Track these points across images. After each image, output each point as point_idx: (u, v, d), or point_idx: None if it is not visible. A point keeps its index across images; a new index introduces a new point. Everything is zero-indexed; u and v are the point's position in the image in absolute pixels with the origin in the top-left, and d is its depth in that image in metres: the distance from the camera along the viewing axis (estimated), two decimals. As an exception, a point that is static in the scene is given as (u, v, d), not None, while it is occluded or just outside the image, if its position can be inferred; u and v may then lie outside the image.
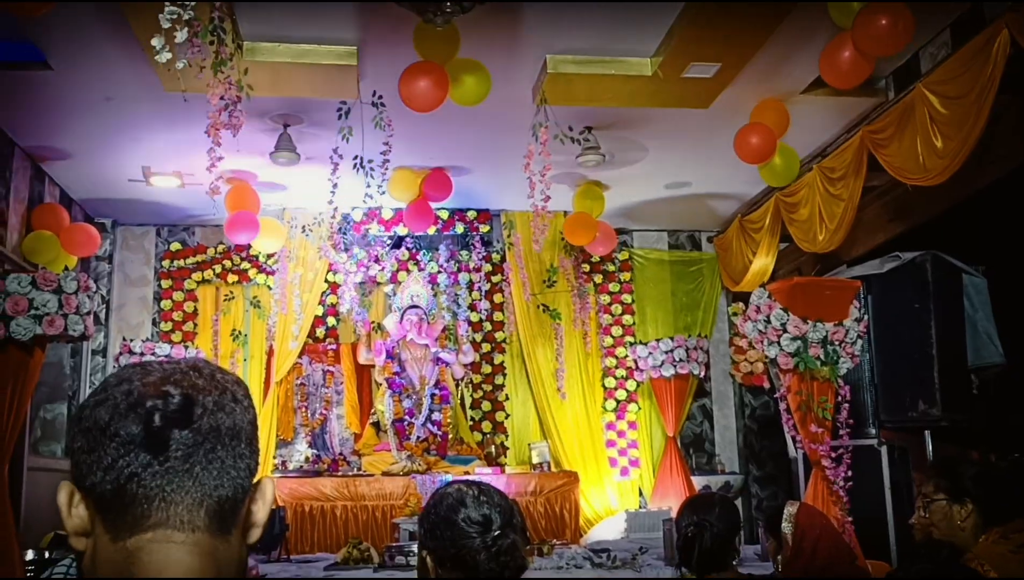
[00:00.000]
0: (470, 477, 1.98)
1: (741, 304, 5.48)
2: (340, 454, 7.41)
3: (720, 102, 5.53)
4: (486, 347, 7.96)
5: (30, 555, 4.83)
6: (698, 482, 7.25)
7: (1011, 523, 2.76)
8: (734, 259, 7.57)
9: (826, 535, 3.36)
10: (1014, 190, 4.90)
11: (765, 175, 5.86)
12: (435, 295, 7.83)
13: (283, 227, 7.29)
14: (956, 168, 4.50)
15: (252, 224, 6.62)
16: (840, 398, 4.82)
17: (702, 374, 7.54)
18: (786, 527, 3.31)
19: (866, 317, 5.12)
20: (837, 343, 4.74)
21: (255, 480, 1.02)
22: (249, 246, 7.37)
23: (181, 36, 3.67)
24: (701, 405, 8.19)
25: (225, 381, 1.01)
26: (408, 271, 7.87)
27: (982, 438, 5.96)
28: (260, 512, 1.02)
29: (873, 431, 5.61)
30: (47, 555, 4.99)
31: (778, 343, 4.75)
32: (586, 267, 8.01)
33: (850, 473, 4.79)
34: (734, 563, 2.96)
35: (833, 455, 4.75)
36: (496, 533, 1.95)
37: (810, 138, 6.09)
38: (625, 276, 8.19)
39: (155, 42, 3.82)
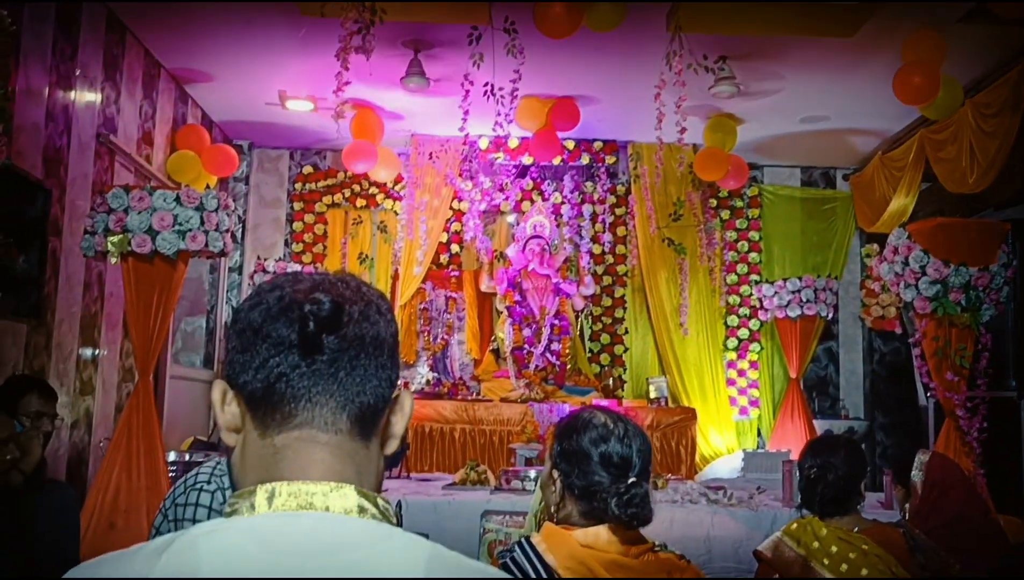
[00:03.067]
0: (616, 409, 1.88)
1: (876, 245, 5.26)
2: (460, 378, 7.56)
3: (865, 31, 5.24)
4: (607, 280, 7.93)
5: (172, 457, 5.14)
6: (820, 426, 7.09)
7: None
8: (871, 198, 7.24)
9: (959, 486, 3.24)
10: None
11: (928, 111, 5.54)
12: (558, 226, 7.82)
13: (398, 158, 7.36)
14: None
15: (370, 153, 6.72)
16: (980, 346, 4.60)
17: (829, 316, 7.31)
18: (916, 475, 3.21)
19: (1014, 262, 4.83)
20: (980, 289, 4.50)
21: (395, 394, 1.04)
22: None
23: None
24: (827, 348, 7.97)
25: (370, 294, 1.03)
26: (532, 201, 7.87)
27: None
28: (399, 424, 1.05)
29: (1013, 383, 5.34)
30: (187, 457, 5.31)
31: (916, 286, 4.54)
32: (713, 202, 7.84)
33: (985, 425, 4.59)
34: (858, 508, 2.88)
35: (968, 405, 4.55)
36: (632, 480, 1.88)
37: (962, 71, 5.72)
38: (753, 213, 7.97)
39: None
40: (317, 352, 0.96)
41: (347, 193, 7.91)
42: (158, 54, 6.12)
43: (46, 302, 4.64)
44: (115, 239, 4.40)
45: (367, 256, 7.84)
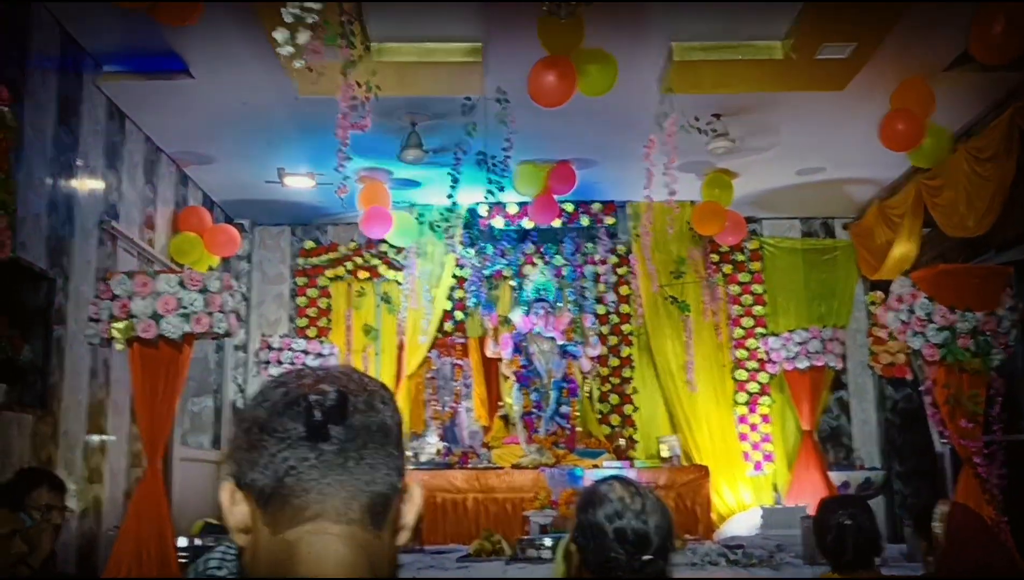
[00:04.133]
0: (628, 472, 1.76)
1: (880, 293, 5.27)
2: (470, 447, 7.49)
3: (856, 83, 5.31)
4: (613, 340, 7.91)
5: (182, 542, 5.07)
6: (836, 478, 7.00)
7: None
8: (872, 246, 7.26)
9: (981, 536, 3.18)
10: None
11: (915, 158, 5.59)
12: (561, 288, 7.83)
13: (415, 221, 7.42)
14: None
15: (386, 218, 6.76)
16: (992, 391, 4.55)
17: (839, 366, 7.27)
18: (937, 527, 3.15)
19: (1020, 306, 4.81)
20: (988, 333, 4.48)
21: (403, 483, 1.03)
22: (379, 243, 7.59)
23: (303, 38, 3.75)
24: (838, 398, 7.91)
25: (373, 385, 1.04)
26: (534, 264, 7.89)
27: None
28: (409, 514, 1.04)
29: (1029, 426, 5.28)
30: (199, 542, 5.24)
31: (923, 334, 4.52)
32: (715, 257, 7.85)
33: (1004, 470, 4.53)
34: (877, 563, 2.85)
35: (986, 451, 4.49)
36: (647, 558, 1.83)
37: (954, 117, 5.78)
38: (755, 266, 7.98)
39: (277, 35, 3.90)
40: (324, 442, 0.96)
41: (349, 266, 7.93)
42: (157, 140, 6.20)
43: (52, 391, 4.63)
44: (120, 326, 4.41)
45: (372, 328, 7.83)
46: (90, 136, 5.21)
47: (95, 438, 5.19)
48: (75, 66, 4.99)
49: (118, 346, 4.52)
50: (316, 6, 3.67)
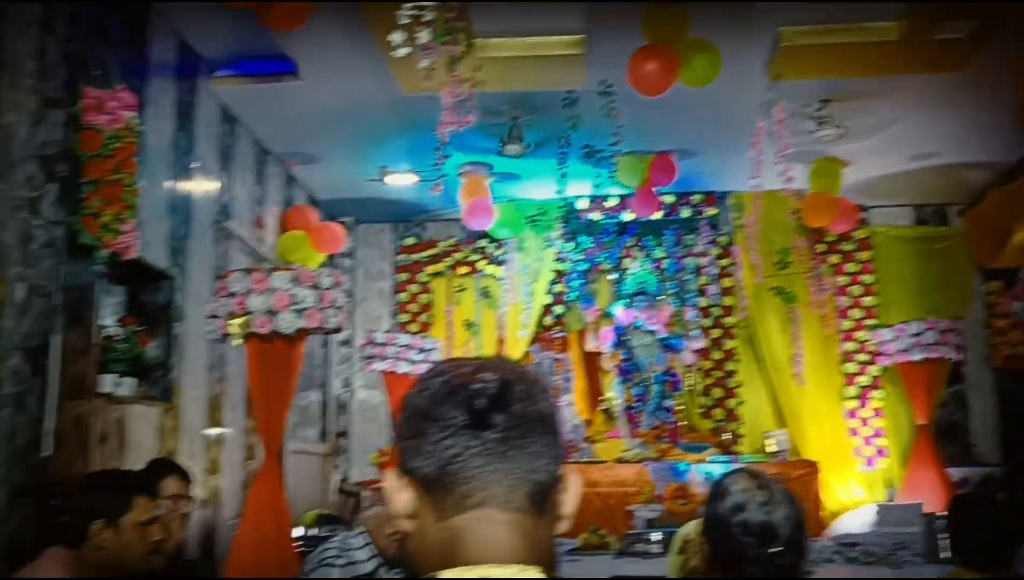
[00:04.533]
0: (765, 471, 1.70)
1: (999, 282, 5.02)
2: (572, 441, 7.47)
3: (975, 63, 5.08)
4: (716, 333, 7.78)
5: (297, 532, 5.20)
6: (954, 474, 6.73)
7: None
8: (989, 233, 6.93)
9: None
10: None
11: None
12: (662, 281, 7.74)
13: (519, 213, 7.43)
14: None
15: (489, 211, 6.79)
16: None
17: (957, 358, 6.98)
18: (1078, 526, 3.00)
19: None
20: None
21: (560, 472, 1.03)
22: (478, 238, 7.64)
23: (424, 37, 3.80)
24: (954, 391, 7.60)
25: (530, 374, 1.05)
26: (634, 258, 7.82)
27: None
28: (569, 503, 1.04)
29: None
30: (315, 532, 5.37)
31: (1054, 323, 4.31)
32: (821, 247, 7.64)
33: None
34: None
35: (1124, 446, 4.26)
36: (776, 549, 1.78)
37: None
38: (865, 255, 7.73)
39: (393, 37, 3.95)
40: (487, 430, 0.97)
41: (449, 261, 8.00)
42: (265, 141, 6.37)
43: (174, 386, 4.81)
44: (237, 322, 4.54)
45: (472, 323, 7.89)
46: (204, 139, 5.38)
47: (213, 431, 5.36)
48: (191, 72, 5.16)
49: (235, 342, 4.65)
50: (431, 3, 3.71)
